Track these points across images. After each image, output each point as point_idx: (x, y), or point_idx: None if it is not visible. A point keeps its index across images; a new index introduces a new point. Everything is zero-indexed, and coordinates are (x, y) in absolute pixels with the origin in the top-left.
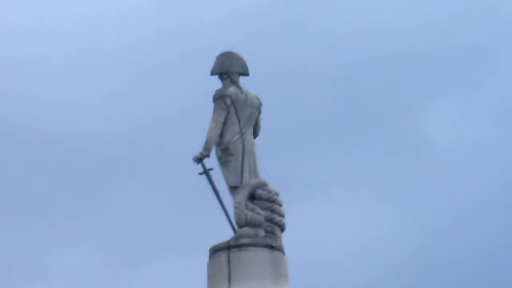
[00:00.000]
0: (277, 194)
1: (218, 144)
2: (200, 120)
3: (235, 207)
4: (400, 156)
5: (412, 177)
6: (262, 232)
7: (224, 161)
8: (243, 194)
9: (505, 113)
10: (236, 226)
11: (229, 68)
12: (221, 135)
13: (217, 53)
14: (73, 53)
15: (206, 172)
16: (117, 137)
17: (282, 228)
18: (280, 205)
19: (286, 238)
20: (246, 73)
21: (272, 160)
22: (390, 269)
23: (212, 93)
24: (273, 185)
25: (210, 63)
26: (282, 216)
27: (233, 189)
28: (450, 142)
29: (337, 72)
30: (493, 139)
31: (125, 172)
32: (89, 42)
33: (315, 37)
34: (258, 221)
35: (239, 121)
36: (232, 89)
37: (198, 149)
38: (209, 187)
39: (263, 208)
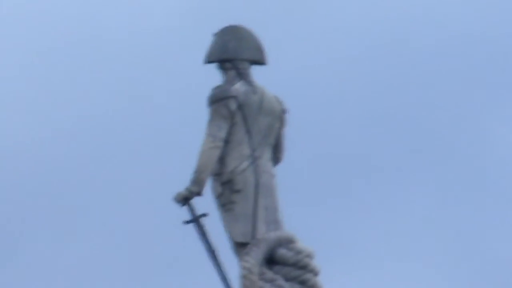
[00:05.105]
0: (309, 257)
1: (217, 175)
2: (186, 133)
3: (243, 276)
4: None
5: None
6: None
7: (226, 202)
8: (256, 255)
9: None
10: None
11: (235, 53)
12: (222, 160)
13: (216, 29)
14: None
15: (196, 219)
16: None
17: None
18: (315, 274)
19: None
20: (262, 61)
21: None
22: None
23: (207, 92)
24: (304, 242)
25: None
26: None
27: (240, 246)
28: None
29: (383, 76)
30: None
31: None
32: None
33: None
34: None
35: (250, 137)
36: (239, 86)
37: (184, 183)
38: (200, 243)
39: (288, 279)
